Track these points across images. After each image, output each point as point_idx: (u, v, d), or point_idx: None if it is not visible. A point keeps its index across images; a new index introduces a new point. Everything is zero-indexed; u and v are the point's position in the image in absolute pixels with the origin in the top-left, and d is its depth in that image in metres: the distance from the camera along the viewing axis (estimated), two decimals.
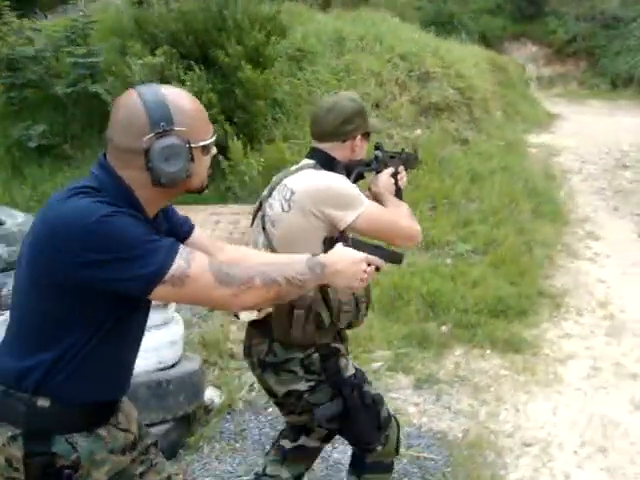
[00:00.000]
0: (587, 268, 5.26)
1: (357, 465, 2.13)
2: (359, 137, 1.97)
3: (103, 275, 1.22)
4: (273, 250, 1.91)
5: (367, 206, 1.86)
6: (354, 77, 6.14)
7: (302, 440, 2.08)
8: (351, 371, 1.98)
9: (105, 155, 1.36)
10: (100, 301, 1.28)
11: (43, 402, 1.30)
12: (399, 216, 1.93)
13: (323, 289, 1.82)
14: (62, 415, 1.31)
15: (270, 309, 1.85)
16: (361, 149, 2.00)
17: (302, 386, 1.90)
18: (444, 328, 4.08)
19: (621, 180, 8.47)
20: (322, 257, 1.44)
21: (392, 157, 2.06)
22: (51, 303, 1.29)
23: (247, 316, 1.92)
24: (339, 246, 1.49)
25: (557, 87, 26.83)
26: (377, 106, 5.99)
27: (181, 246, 1.29)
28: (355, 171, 1.96)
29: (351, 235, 1.79)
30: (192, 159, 1.32)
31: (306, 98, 5.98)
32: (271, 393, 2.02)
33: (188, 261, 1.25)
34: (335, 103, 1.94)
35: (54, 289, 1.27)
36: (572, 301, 4.43)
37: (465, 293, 4.39)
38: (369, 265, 1.48)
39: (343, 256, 1.45)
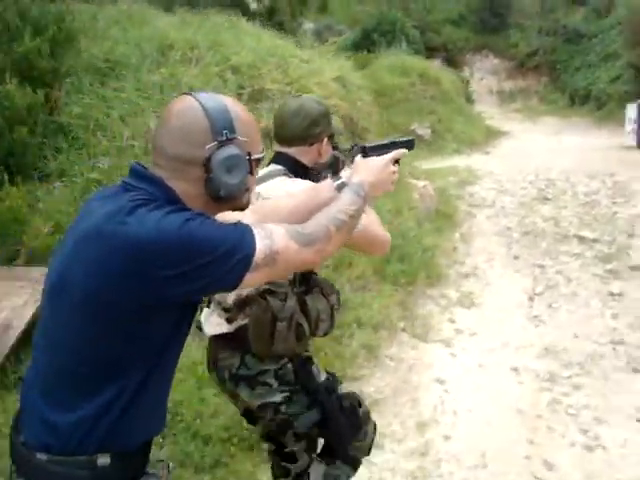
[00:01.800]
0: (431, 358, 3.86)
1: (328, 453, 1.99)
2: (325, 140, 1.91)
3: (201, 282, 1.13)
4: None
5: None
6: (167, 96, 4.79)
7: (295, 469, 1.92)
8: (323, 376, 1.93)
9: (140, 165, 1.24)
10: (167, 323, 1.18)
11: (104, 460, 1.17)
12: (376, 224, 1.79)
13: (301, 299, 1.81)
14: (124, 467, 1.20)
15: (242, 322, 1.79)
16: (326, 152, 1.94)
17: (277, 397, 1.83)
18: None
19: (535, 217, 7.19)
20: (355, 177, 1.45)
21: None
22: (112, 338, 1.14)
23: (213, 330, 1.85)
24: (359, 159, 1.53)
25: (517, 102, 25.92)
26: None
27: (252, 224, 1.22)
28: (322, 175, 1.89)
29: (362, 144, 1.68)
30: (251, 172, 1.26)
31: (102, 122, 4.62)
32: (244, 407, 1.92)
33: (269, 237, 1.20)
34: (301, 106, 1.88)
35: (124, 319, 1.13)
36: (381, 419, 3.05)
37: None
38: (394, 163, 1.55)
39: (371, 167, 1.49)
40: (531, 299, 5.07)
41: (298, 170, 1.88)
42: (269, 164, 1.92)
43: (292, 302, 1.78)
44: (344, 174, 1.56)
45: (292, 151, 1.89)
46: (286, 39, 6.48)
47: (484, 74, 28.60)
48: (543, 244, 6.37)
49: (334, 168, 1.94)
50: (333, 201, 1.38)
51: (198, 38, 5.42)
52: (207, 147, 1.18)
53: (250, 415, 1.94)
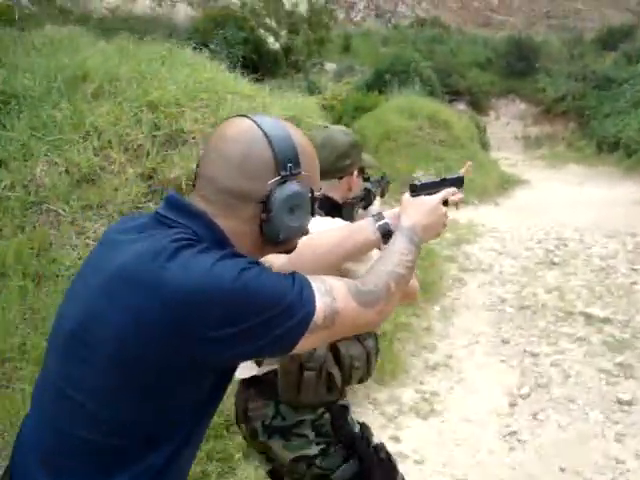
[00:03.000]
0: None
1: None
2: (355, 173, 1.84)
3: (252, 345, 0.97)
4: None
5: None
6: (62, 136, 3.89)
7: None
8: (357, 425, 1.82)
9: (178, 195, 1.07)
10: (203, 388, 1.01)
11: None
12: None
13: (334, 346, 1.69)
14: None
15: (273, 366, 1.67)
16: (357, 186, 1.86)
17: (313, 450, 1.71)
18: None
19: (537, 286, 6.06)
20: (405, 220, 1.32)
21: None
22: (140, 403, 0.96)
23: (244, 372, 1.70)
24: (406, 198, 1.41)
25: (543, 148, 24.84)
26: (89, 181, 3.73)
27: (310, 277, 1.05)
28: (355, 211, 1.84)
29: (413, 179, 1.62)
30: (312, 212, 1.12)
31: None
32: (274, 460, 1.77)
33: (330, 294, 1.04)
34: (328, 137, 1.80)
35: (157, 381, 0.95)
36: None
37: None
38: (444, 204, 1.43)
39: (421, 209, 1.36)
40: (513, 404, 3.93)
41: (328, 207, 1.78)
42: None
43: (322, 351, 1.67)
44: (386, 214, 1.41)
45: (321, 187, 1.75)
46: (235, 73, 5.58)
47: (510, 119, 27.71)
48: (541, 323, 5.22)
49: (367, 202, 1.88)
50: (374, 243, 1.34)
51: (122, 70, 4.53)
52: (269, 182, 1.03)
53: (276, 476, 1.83)
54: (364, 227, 1.37)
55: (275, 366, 1.67)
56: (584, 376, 4.29)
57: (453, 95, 26.02)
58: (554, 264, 6.81)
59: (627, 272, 6.47)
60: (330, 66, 25.37)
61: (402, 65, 16.02)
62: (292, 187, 1.04)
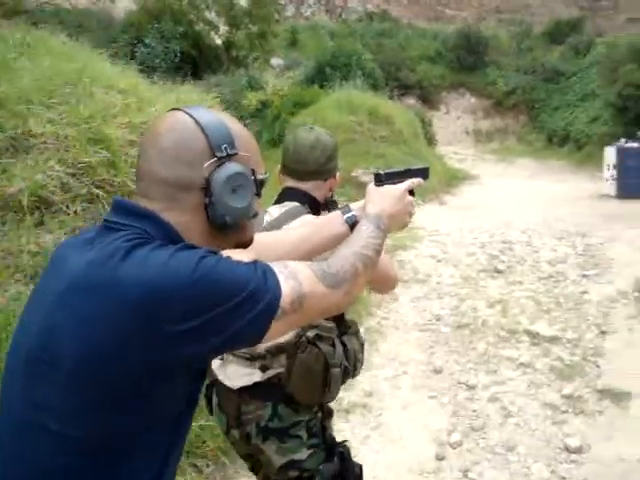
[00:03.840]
0: None
1: None
2: (337, 174, 1.86)
3: (221, 336, 0.93)
4: None
5: None
6: None
7: None
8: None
9: (123, 198, 1.06)
10: (179, 394, 0.97)
11: None
12: (387, 259, 1.70)
13: (342, 342, 1.72)
14: None
15: (277, 369, 1.65)
16: (335, 187, 1.87)
17: (303, 454, 1.70)
18: None
19: (478, 299, 5.38)
20: (371, 208, 1.31)
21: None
22: (112, 419, 0.91)
23: (240, 381, 1.67)
24: (371, 187, 1.40)
25: (494, 142, 24.56)
26: None
27: (272, 263, 1.04)
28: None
29: (377, 169, 1.60)
30: (258, 193, 1.09)
31: None
32: (261, 467, 1.78)
33: (295, 277, 1.02)
34: (317, 139, 1.78)
35: (127, 393, 0.90)
36: None
37: None
38: (411, 193, 1.43)
39: (386, 197, 1.35)
40: (440, 458, 3.21)
41: (313, 207, 1.77)
42: (278, 201, 1.79)
43: (340, 347, 1.70)
44: (353, 205, 1.42)
45: (307, 187, 1.78)
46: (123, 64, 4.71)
47: (461, 113, 27.43)
48: (480, 345, 4.54)
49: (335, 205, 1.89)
50: (343, 235, 1.31)
51: None
52: (206, 165, 1.02)
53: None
54: (332, 220, 1.38)
55: (279, 370, 1.65)
56: (527, 414, 3.60)
57: (402, 89, 25.67)
58: (498, 272, 6.16)
59: (577, 279, 5.87)
60: (276, 61, 24.74)
61: (344, 58, 15.29)
62: (231, 167, 1.02)
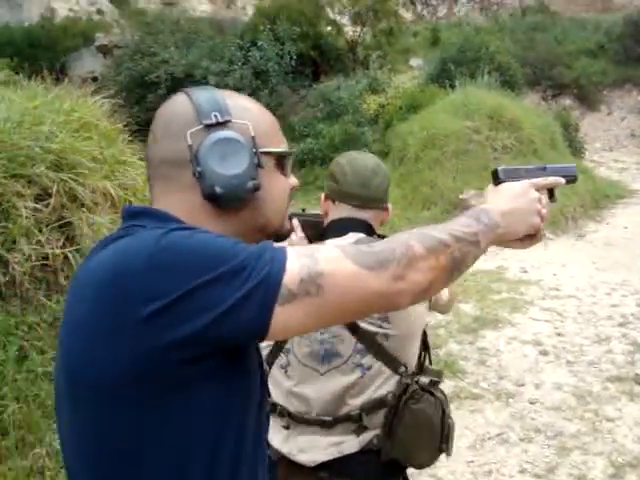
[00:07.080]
0: None
1: None
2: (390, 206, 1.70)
3: (205, 317, 0.77)
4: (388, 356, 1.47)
5: None
6: None
7: None
8: None
9: (131, 205, 1.07)
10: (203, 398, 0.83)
11: None
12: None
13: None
14: None
15: (373, 431, 1.44)
16: (386, 221, 1.71)
17: None
18: None
19: (596, 453, 3.22)
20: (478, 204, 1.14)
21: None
22: (109, 423, 0.82)
23: (323, 455, 1.43)
24: (489, 188, 1.17)
25: None
26: None
27: (283, 245, 0.90)
28: None
29: (499, 166, 1.28)
30: (259, 164, 0.94)
31: None
32: None
33: (310, 255, 0.84)
34: (378, 164, 1.63)
35: (113, 393, 0.81)
36: None
37: None
38: (550, 193, 1.16)
39: (502, 193, 1.10)
40: None
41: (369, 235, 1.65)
42: (335, 233, 1.56)
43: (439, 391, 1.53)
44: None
45: (368, 216, 1.61)
46: None
47: (626, 113, 24.09)
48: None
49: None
50: None
51: None
52: (190, 132, 0.91)
53: None
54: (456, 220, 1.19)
55: (376, 431, 1.43)
56: None
57: (556, 89, 23.28)
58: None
59: None
60: (415, 61, 23.60)
61: (472, 53, 13.10)
62: (220, 133, 0.92)
